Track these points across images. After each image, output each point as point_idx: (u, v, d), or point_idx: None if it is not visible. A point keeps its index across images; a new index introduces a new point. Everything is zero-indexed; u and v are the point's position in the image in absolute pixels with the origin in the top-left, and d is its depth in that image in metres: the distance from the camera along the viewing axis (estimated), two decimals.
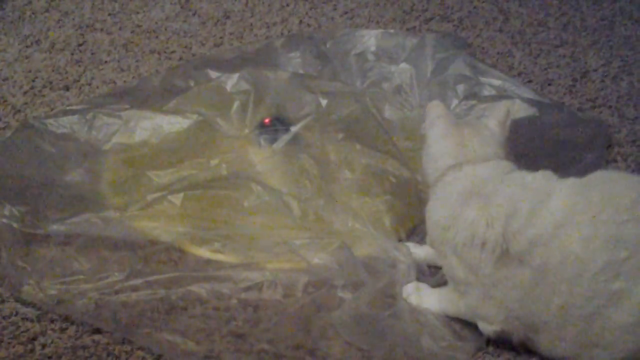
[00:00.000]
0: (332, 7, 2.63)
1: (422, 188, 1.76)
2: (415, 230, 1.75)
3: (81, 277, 1.54)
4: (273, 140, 1.87)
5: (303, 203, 1.68)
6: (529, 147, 1.97)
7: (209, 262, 1.62)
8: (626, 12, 2.69)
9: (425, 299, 1.54)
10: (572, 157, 1.96)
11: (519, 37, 2.52)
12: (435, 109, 1.60)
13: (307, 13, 2.59)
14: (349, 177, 1.79)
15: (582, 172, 1.88)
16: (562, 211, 1.33)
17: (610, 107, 2.22)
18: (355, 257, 1.59)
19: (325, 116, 1.89)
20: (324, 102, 1.90)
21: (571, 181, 1.39)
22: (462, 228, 1.41)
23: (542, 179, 1.41)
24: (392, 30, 2.35)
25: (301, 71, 2.16)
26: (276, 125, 1.89)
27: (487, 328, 1.43)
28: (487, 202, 1.39)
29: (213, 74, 2.07)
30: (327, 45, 2.26)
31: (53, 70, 2.23)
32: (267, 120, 1.90)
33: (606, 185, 1.36)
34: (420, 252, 1.63)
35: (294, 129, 1.88)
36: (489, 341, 1.47)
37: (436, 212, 1.48)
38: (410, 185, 1.80)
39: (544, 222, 1.33)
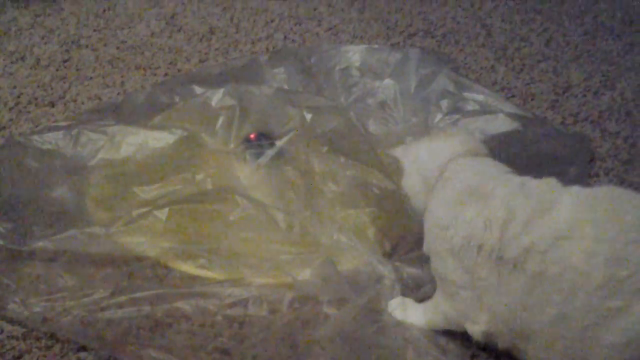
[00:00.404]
0: (316, 23, 2.64)
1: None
2: (400, 243, 1.75)
3: (66, 294, 1.53)
4: (258, 155, 1.87)
5: (288, 216, 1.68)
6: (512, 162, 1.97)
7: (194, 278, 1.62)
8: (607, 28, 2.72)
9: (411, 313, 1.54)
10: (555, 171, 1.94)
11: (502, 52, 2.54)
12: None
13: (291, 29, 2.60)
14: (334, 190, 1.80)
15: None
16: (566, 223, 1.32)
17: (592, 121, 2.23)
18: (339, 273, 1.59)
19: (309, 130, 1.90)
20: (308, 116, 1.91)
21: (576, 191, 1.38)
22: (460, 228, 1.40)
23: (546, 186, 1.41)
24: (376, 46, 2.37)
25: (286, 87, 2.17)
26: (261, 140, 1.90)
27: (474, 328, 1.42)
28: (486, 203, 1.39)
29: (198, 89, 2.07)
30: (312, 61, 2.27)
31: (38, 87, 2.23)
32: (252, 136, 1.91)
33: (612, 201, 1.35)
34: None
35: (278, 143, 1.88)
36: (473, 356, 1.48)
37: (436, 211, 1.47)
38: (394, 198, 1.80)
39: (543, 231, 1.32)
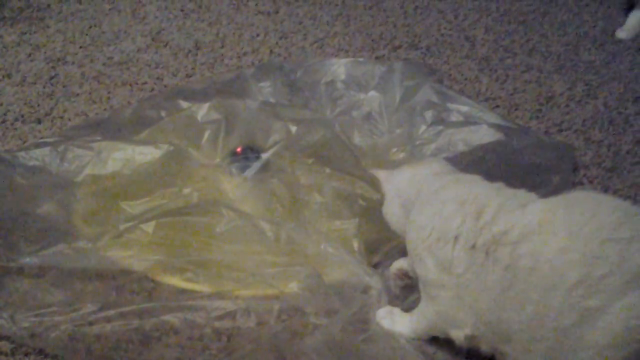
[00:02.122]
0: (302, 36, 2.66)
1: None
2: (386, 254, 1.76)
3: (54, 309, 1.53)
4: (244, 168, 1.89)
5: (275, 227, 1.69)
6: (497, 171, 1.99)
7: (182, 291, 1.62)
8: (590, 38, 2.74)
9: (398, 322, 1.55)
10: (540, 180, 1.98)
11: (486, 63, 2.56)
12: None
13: (277, 43, 2.62)
14: (319, 201, 1.81)
15: (549, 195, 1.93)
16: (538, 217, 1.34)
17: (575, 130, 2.26)
18: (325, 285, 1.60)
19: (295, 143, 1.91)
20: (293, 129, 1.92)
21: (552, 197, 1.41)
22: (437, 225, 1.44)
23: (521, 192, 1.45)
24: (360, 59, 2.38)
25: (272, 100, 2.18)
26: (247, 153, 1.91)
27: (459, 334, 1.43)
28: (464, 201, 1.43)
29: (184, 104, 2.08)
30: (297, 75, 2.29)
31: (25, 104, 2.23)
32: (238, 149, 1.92)
33: (587, 202, 1.37)
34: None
35: (264, 156, 1.90)
36: None
37: (416, 218, 1.50)
38: (376, 211, 1.82)
39: (514, 222, 1.35)
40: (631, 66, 2.58)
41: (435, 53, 2.59)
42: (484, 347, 1.43)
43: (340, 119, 2.14)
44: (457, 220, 1.41)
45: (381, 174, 1.67)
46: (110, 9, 2.75)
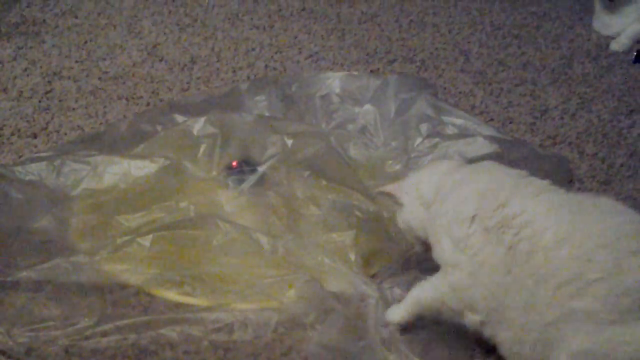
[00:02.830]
0: (297, 51, 2.67)
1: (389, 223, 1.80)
2: (383, 266, 1.76)
3: (51, 323, 1.53)
4: (241, 181, 1.89)
5: (272, 239, 1.69)
6: None
7: (178, 305, 1.62)
8: (583, 51, 2.76)
9: (407, 295, 1.56)
10: None
11: (480, 76, 2.57)
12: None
13: (272, 57, 2.63)
14: (316, 213, 1.81)
15: None
16: (548, 206, 1.37)
17: (570, 143, 2.27)
18: (323, 289, 1.60)
19: (291, 156, 1.92)
20: (289, 142, 1.93)
21: (572, 193, 1.46)
22: (456, 207, 1.47)
23: (539, 180, 1.48)
24: (355, 73, 2.40)
25: (267, 114, 2.19)
26: (243, 167, 1.92)
27: (475, 319, 1.43)
28: (482, 188, 1.47)
29: (180, 118, 2.09)
30: (293, 89, 2.30)
31: (21, 118, 2.23)
32: (234, 163, 1.92)
33: (604, 207, 1.39)
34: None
35: (260, 169, 1.90)
36: None
37: (441, 208, 1.52)
38: (376, 220, 1.82)
39: (524, 207, 1.38)
40: (624, 79, 2.59)
41: (430, 67, 2.61)
42: (487, 333, 1.44)
43: (335, 132, 2.15)
44: (474, 203, 1.44)
45: (392, 187, 1.67)
46: (106, 24, 2.76)
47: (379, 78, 2.34)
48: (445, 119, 2.18)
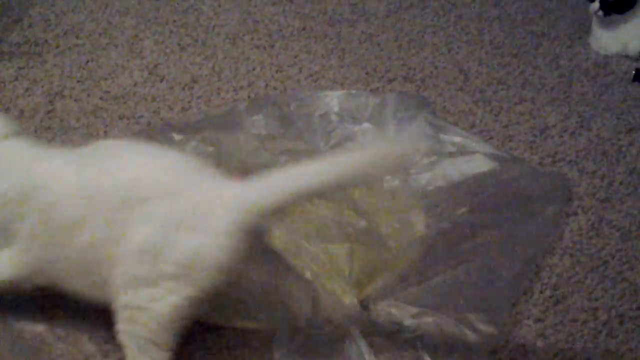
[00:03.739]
0: (297, 70, 2.68)
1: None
2: (378, 281, 1.77)
3: None
4: None
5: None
6: (492, 201, 2.01)
7: None
8: (582, 70, 2.77)
9: None
10: (533, 210, 2.00)
11: (480, 95, 2.58)
12: None
13: (272, 76, 2.64)
14: (308, 227, 1.82)
15: (544, 225, 1.94)
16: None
17: (569, 161, 2.27)
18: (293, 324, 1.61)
19: None
20: (283, 159, 1.94)
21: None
22: None
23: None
24: (353, 92, 2.41)
25: (264, 133, 2.20)
26: None
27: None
28: None
29: (177, 137, 2.11)
30: (291, 108, 2.31)
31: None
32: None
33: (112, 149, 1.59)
34: None
35: None
36: None
37: None
38: (369, 236, 1.82)
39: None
40: (624, 98, 2.60)
41: (429, 85, 2.61)
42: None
43: (334, 150, 2.16)
44: None
45: None
46: (107, 44, 2.77)
47: (377, 97, 2.34)
48: (444, 137, 2.19)
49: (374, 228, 1.83)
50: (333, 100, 2.34)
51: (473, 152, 2.13)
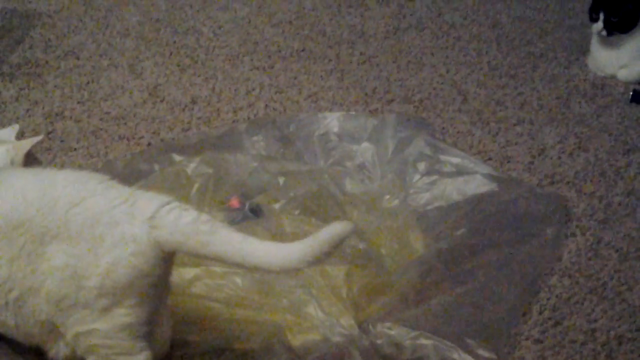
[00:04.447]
0: (297, 91, 2.69)
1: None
2: (376, 303, 1.76)
3: None
4: (231, 218, 1.90)
5: (246, 277, 1.71)
6: (489, 222, 2.01)
7: None
8: (580, 91, 2.78)
9: None
10: (532, 231, 2.00)
11: (478, 116, 2.59)
12: None
13: (272, 97, 2.65)
14: None
15: (543, 246, 1.94)
16: None
17: (567, 182, 2.27)
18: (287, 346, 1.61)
19: (282, 194, 1.93)
20: (281, 180, 1.95)
21: None
22: None
23: None
24: (353, 112, 2.42)
25: (264, 153, 2.21)
26: (235, 205, 1.93)
27: None
28: None
29: (177, 157, 2.12)
30: (290, 129, 2.32)
31: None
32: (228, 201, 1.94)
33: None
34: None
35: (248, 205, 1.92)
36: None
37: None
38: (367, 258, 1.82)
39: None
40: (621, 119, 2.61)
41: (428, 106, 2.62)
42: None
43: (331, 169, 2.17)
44: None
45: None
46: (108, 65, 2.79)
47: (376, 117, 2.36)
48: (443, 157, 2.19)
49: (373, 248, 1.83)
50: (332, 121, 2.35)
51: (472, 173, 2.14)
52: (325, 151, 2.26)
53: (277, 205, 1.91)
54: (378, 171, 2.19)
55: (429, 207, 2.07)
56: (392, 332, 1.67)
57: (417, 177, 2.13)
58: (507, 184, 2.14)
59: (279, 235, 1.82)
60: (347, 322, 1.69)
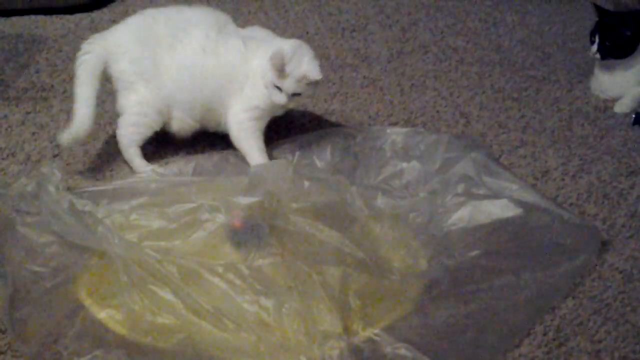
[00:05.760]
0: (300, 114, 2.71)
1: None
2: (376, 309, 1.77)
3: None
4: (235, 239, 1.91)
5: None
6: (509, 247, 2.00)
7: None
8: (582, 113, 2.79)
9: None
10: (553, 260, 1.97)
11: (481, 139, 2.60)
12: None
13: (276, 120, 2.65)
14: (308, 249, 1.82)
15: (560, 276, 1.92)
16: None
17: (570, 204, 2.28)
18: None
19: (304, 197, 1.95)
20: (307, 184, 1.95)
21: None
22: None
23: None
24: (419, 129, 2.48)
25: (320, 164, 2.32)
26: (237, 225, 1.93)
27: None
28: None
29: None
30: (357, 140, 2.41)
31: None
32: (232, 222, 1.94)
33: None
34: None
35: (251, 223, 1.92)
36: None
37: None
38: (366, 268, 1.81)
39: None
40: (624, 141, 2.62)
41: (431, 129, 2.63)
42: None
43: (362, 184, 2.19)
44: None
45: None
46: (112, 89, 2.80)
47: (430, 136, 2.37)
48: (486, 179, 2.18)
49: (378, 256, 1.83)
50: (397, 137, 2.39)
51: (505, 197, 2.10)
52: (376, 168, 2.29)
53: (294, 205, 1.90)
54: (420, 191, 2.19)
55: (452, 228, 2.05)
56: (377, 339, 1.67)
57: (449, 197, 2.12)
58: (536, 211, 2.09)
59: (280, 236, 1.84)
60: (332, 323, 1.69)
